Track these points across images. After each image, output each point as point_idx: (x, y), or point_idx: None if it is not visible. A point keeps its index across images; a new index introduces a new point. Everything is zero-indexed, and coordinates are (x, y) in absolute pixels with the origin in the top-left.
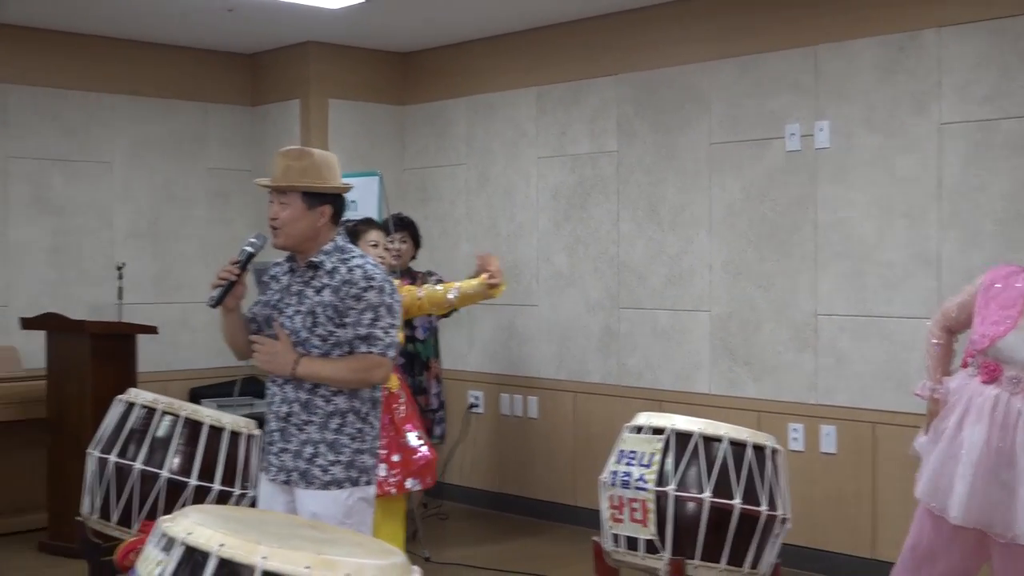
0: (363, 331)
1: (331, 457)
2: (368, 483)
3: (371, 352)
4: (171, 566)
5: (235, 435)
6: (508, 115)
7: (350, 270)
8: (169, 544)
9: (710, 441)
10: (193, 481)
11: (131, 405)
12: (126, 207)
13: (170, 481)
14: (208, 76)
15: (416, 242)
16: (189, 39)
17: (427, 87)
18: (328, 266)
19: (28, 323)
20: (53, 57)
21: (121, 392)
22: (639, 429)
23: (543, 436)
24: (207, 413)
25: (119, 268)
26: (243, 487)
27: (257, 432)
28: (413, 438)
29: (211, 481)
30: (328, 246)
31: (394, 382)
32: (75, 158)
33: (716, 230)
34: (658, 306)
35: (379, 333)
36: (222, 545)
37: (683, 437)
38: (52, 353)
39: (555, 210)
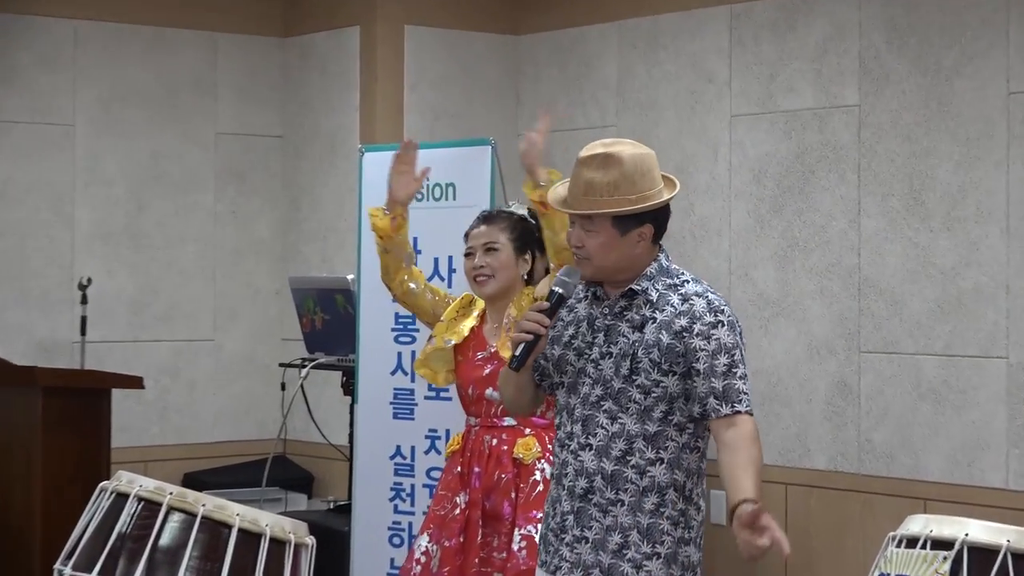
0: (718, 384)
1: (646, 549)
2: None
3: (738, 412)
4: None
5: (277, 544)
6: (684, 49)
7: (686, 299)
8: None
9: None
10: None
11: (121, 497)
12: (93, 193)
13: None
14: None
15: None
16: None
17: (555, 6)
18: (652, 294)
19: None
20: None
21: (86, 476)
22: (912, 541)
23: (735, 549)
24: (237, 511)
25: (82, 287)
26: None
27: (309, 540)
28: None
29: None
30: (651, 268)
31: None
32: (17, 118)
33: (1017, 230)
34: (923, 349)
35: (740, 384)
36: None
37: (983, 555)
38: None
39: (758, 197)
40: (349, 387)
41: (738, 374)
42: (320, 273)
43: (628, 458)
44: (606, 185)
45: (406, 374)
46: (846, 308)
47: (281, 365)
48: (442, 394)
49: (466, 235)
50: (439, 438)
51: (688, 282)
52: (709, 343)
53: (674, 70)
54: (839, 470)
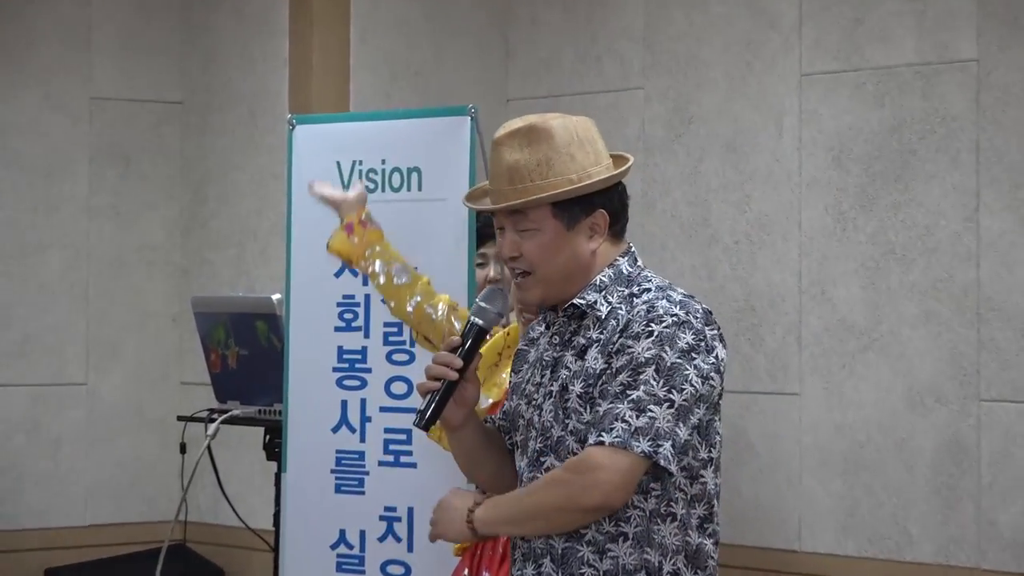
0: (602, 409)
1: None
2: None
3: (600, 443)
4: None
5: None
6: None
7: (633, 309)
8: None
9: None
10: None
11: None
12: None
13: None
14: None
15: None
16: None
17: None
18: (602, 310)
19: None
20: None
21: None
22: None
23: None
24: None
25: None
26: None
27: None
28: None
29: None
30: (604, 276)
31: None
32: None
33: None
34: None
35: (623, 410)
36: None
37: None
38: None
39: (839, 187)
40: (275, 449)
41: (631, 398)
42: (235, 292)
43: (583, 532)
44: (536, 165)
45: (354, 431)
46: (960, 340)
47: (180, 419)
48: (403, 458)
49: None
50: (399, 520)
51: (650, 290)
52: (621, 357)
53: (723, 12)
54: (952, 563)
